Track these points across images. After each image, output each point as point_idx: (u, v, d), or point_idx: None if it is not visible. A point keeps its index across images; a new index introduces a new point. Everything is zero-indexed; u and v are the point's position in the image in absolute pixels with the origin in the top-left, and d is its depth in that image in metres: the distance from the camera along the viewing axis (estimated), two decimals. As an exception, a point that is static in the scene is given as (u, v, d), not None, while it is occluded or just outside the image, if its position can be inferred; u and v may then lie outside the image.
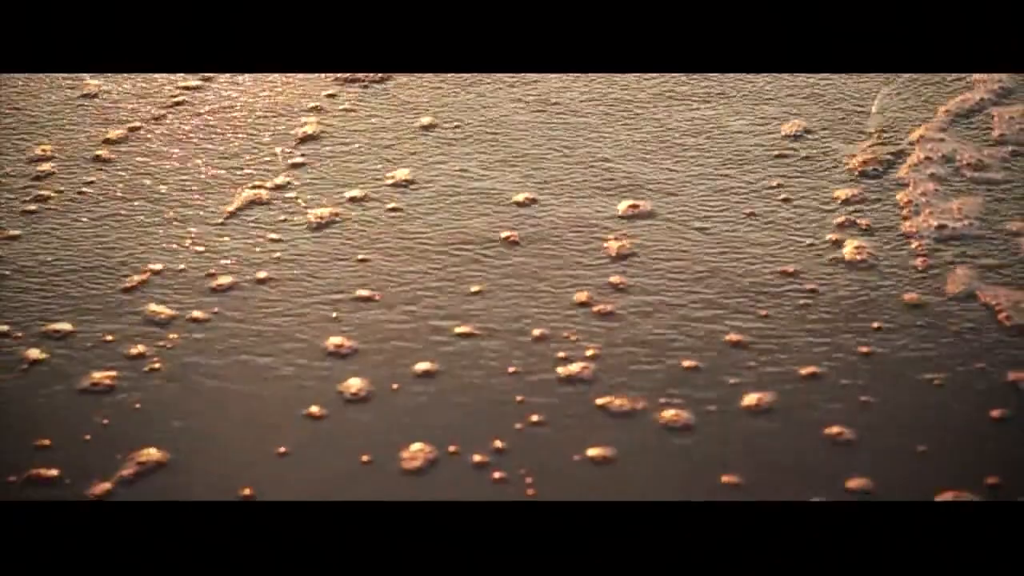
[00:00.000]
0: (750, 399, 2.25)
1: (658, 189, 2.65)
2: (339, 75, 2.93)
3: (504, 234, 2.61)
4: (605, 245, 2.57)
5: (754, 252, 2.53)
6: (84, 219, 2.69)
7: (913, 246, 2.54)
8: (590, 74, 3.08)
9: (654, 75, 3.04)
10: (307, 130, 2.89)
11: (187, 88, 3.06)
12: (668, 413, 2.24)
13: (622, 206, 2.66)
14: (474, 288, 2.50)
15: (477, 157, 2.83)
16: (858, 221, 2.63)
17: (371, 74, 2.89)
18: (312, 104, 2.99)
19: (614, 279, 2.49)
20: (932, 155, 2.70)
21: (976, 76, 3.13)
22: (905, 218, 2.59)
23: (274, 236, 2.65)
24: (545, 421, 2.25)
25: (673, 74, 3.07)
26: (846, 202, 2.66)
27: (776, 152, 2.84)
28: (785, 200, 2.67)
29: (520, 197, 2.70)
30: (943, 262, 2.54)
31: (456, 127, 2.92)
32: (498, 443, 2.23)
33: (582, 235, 2.62)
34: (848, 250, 2.55)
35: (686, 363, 2.33)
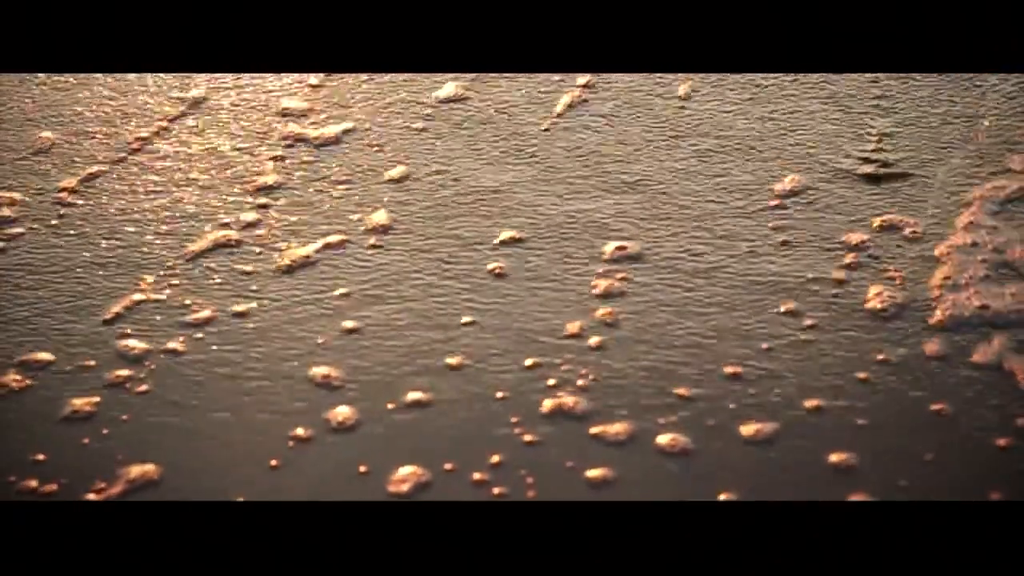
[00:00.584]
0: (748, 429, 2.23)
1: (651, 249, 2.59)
2: (289, 137, 2.83)
3: (490, 266, 2.57)
4: (593, 284, 2.54)
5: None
6: (55, 256, 2.65)
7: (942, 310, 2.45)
8: (573, 118, 3.01)
9: (642, 125, 2.97)
10: (268, 180, 2.81)
11: (143, 138, 2.95)
12: (664, 438, 2.23)
13: (609, 248, 2.61)
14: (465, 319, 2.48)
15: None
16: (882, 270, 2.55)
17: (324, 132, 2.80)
18: (272, 155, 2.89)
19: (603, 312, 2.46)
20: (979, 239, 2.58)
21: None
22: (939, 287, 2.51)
23: (247, 270, 2.59)
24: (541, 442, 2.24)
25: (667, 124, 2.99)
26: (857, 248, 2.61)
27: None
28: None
29: (505, 236, 2.65)
30: (978, 333, 2.42)
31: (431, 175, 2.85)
32: (495, 458, 2.22)
33: (571, 271, 2.57)
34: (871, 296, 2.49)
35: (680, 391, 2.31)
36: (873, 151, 2.83)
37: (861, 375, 2.32)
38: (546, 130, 2.82)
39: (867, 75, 3.05)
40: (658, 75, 3.01)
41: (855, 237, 2.60)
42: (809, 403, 2.27)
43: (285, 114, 2.87)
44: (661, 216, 2.65)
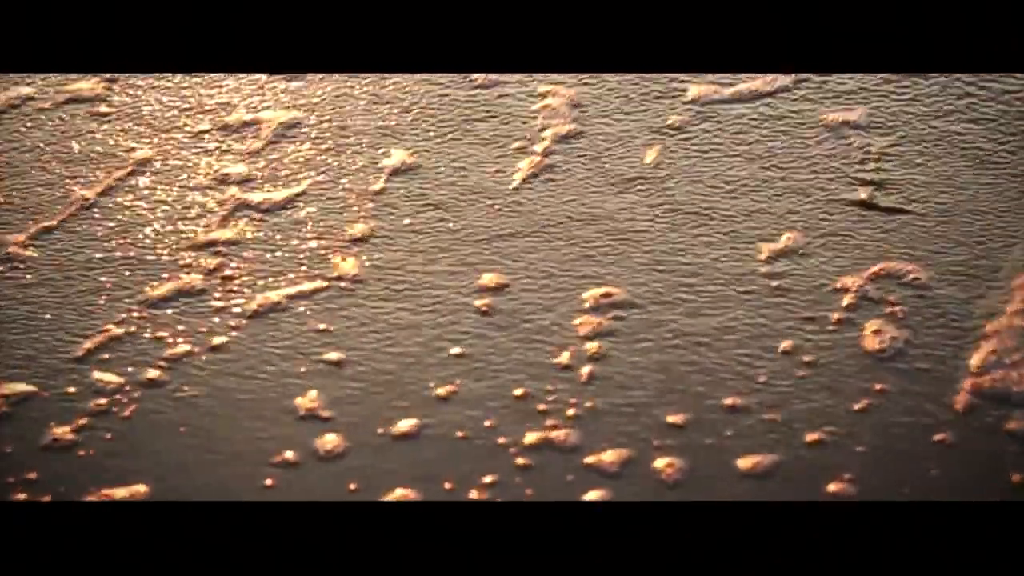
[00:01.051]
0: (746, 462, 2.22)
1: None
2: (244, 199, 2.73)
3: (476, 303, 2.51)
4: (576, 324, 2.49)
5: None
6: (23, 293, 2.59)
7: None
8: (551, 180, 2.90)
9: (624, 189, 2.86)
10: (227, 235, 2.74)
11: (100, 194, 2.86)
12: (661, 463, 2.22)
13: (591, 294, 2.54)
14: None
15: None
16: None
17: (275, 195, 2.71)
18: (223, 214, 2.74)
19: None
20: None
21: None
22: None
23: (220, 305, 2.53)
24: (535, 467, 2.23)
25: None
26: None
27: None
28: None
29: (487, 280, 2.57)
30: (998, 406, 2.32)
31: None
32: (488, 478, 2.21)
33: (556, 313, 2.50)
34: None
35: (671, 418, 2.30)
36: (871, 187, 2.78)
37: (859, 406, 2.30)
38: (511, 194, 2.75)
39: (860, 145, 2.94)
40: (626, 138, 2.90)
41: (851, 281, 2.57)
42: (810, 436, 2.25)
43: (231, 181, 2.79)
44: (648, 264, 2.60)
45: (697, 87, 2.99)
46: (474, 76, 2.99)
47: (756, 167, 2.79)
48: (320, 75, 3.03)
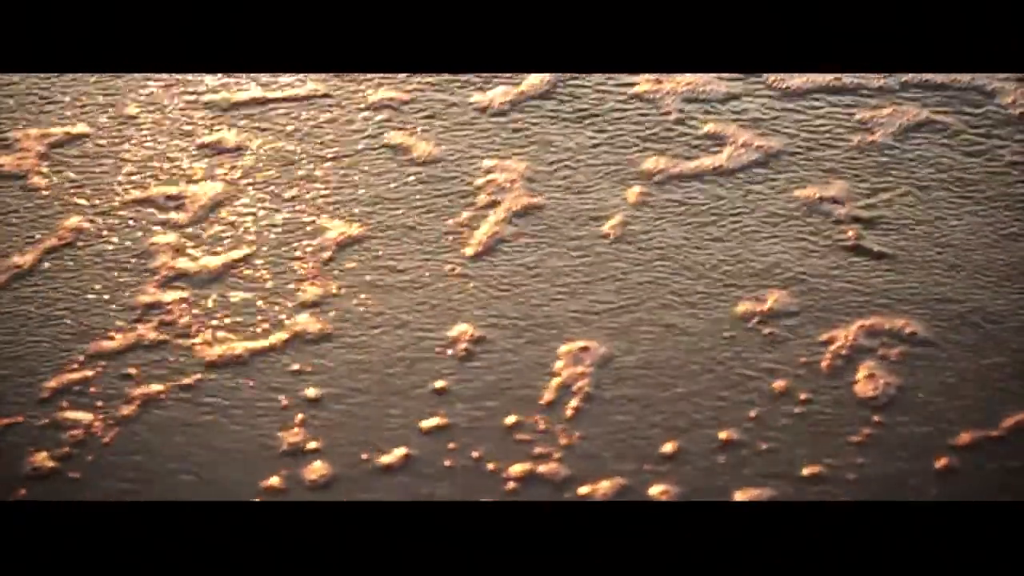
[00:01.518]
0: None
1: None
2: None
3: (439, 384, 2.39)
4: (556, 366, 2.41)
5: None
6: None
7: None
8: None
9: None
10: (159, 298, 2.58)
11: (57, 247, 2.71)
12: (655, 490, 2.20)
13: (567, 348, 2.45)
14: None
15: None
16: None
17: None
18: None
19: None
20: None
21: None
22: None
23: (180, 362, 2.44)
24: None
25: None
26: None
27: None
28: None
29: (455, 332, 2.47)
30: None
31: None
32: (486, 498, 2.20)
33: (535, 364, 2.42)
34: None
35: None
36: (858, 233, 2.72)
37: (856, 439, 2.28)
38: (471, 260, 2.59)
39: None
40: (585, 210, 2.73)
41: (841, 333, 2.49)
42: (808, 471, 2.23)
43: (171, 248, 2.70)
44: (629, 321, 2.49)
45: (656, 160, 2.87)
46: (416, 153, 2.87)
47: (727, 227, 2.70)
48: (257, 142, 2.90)
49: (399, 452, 2.24)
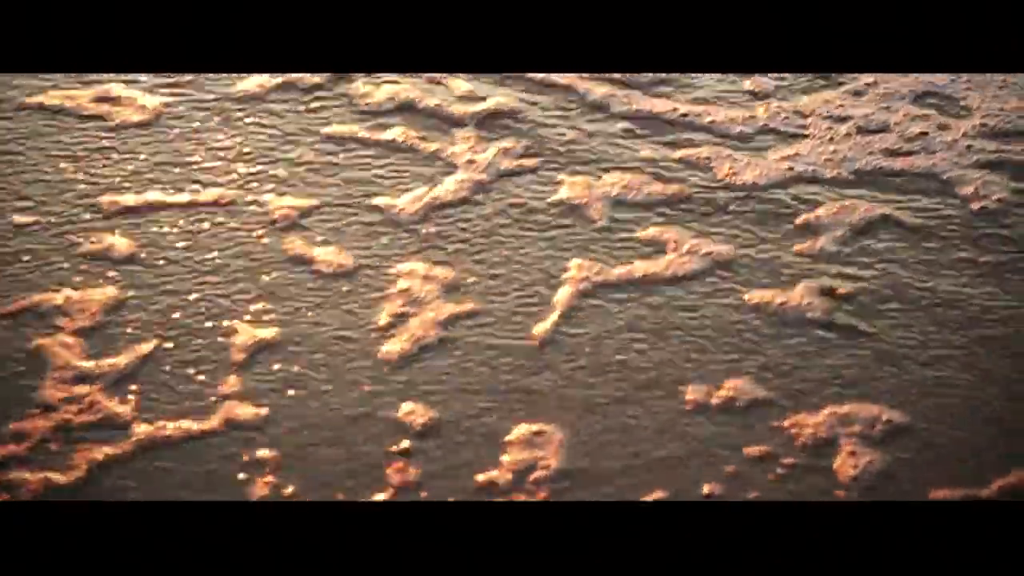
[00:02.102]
0: None
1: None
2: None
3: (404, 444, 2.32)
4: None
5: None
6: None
7: None
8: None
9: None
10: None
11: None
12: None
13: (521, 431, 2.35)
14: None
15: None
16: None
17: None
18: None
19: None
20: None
21: None
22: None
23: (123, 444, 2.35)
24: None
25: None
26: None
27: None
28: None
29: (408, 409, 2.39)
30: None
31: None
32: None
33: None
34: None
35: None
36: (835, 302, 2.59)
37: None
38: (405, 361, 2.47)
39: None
40: (516, 315, 2.54)
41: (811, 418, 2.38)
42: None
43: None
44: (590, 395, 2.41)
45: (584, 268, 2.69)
46: (322, 262, 2.68)
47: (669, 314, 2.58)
48: (162, 250, 2.72)
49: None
